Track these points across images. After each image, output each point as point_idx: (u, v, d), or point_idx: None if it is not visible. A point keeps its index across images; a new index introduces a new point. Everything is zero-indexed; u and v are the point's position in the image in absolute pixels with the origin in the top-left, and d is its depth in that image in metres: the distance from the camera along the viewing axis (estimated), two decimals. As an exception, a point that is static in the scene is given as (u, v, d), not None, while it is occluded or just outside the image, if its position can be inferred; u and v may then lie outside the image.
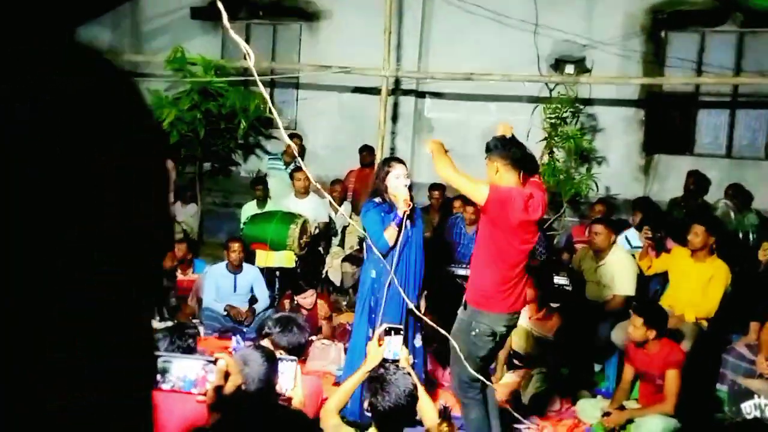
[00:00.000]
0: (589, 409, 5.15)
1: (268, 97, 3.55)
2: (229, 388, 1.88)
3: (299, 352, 3.63)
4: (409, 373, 3.05)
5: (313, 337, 6.13)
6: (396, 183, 4.70)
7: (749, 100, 8.78)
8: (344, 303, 7.26)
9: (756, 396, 1.74)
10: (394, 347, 3.22)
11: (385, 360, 3.21)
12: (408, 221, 4.70)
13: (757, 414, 1.72)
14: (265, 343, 3.57)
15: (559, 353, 5.65)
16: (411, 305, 4.56)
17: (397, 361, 3.21)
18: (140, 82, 9.81)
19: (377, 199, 4.82)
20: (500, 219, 3.91)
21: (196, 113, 8.31)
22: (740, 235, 6.93)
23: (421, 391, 3.08)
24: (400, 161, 4.88)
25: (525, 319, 5.64)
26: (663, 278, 6.06)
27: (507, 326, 4.13)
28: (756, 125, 8.70)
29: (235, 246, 6.67)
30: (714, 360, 5.21)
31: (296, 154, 6.15)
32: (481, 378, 4.11)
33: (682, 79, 8.64)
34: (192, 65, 8.47)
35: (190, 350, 3.60)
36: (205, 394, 1.98)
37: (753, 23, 8.47)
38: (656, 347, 4.92)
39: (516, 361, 5.69)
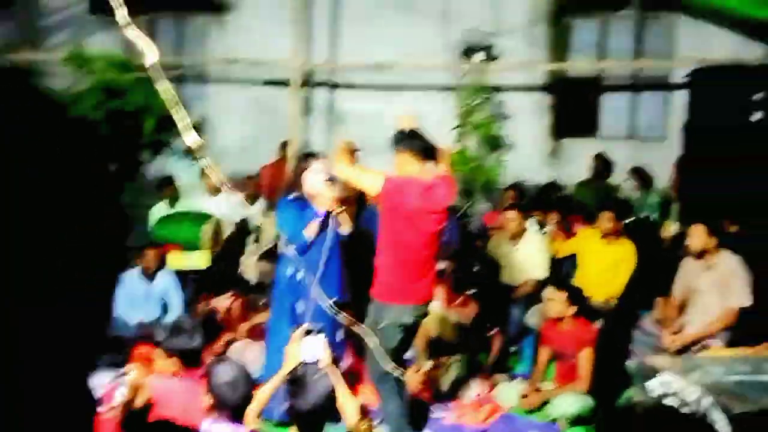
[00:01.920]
0: (508, 392, 5.24)
1: (170, 91, 3.35)
2: (139, 403, 1.81)
3: (193, 358, 3.52)
4: (328, 374, 3.04)
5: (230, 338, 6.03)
6: (313, 180, 4.65)
7: (650, 83, 9.09)
8: (261, 302, 7.15)
9: (661, 372, 1.79)
10: (314, 349, 3.19)
11: (304, 362, 3.18)
12: (331, 218, 4.66)
13: (664, 390, 1.77)
14: (158, 353, 3.47)
15: (477, 339, 5.73)
16: (325, 304, 4.51)
17: (318, 363, 3.18)
18: (39, 81, 9.42)
19: (293, 195, 4.77)
20: (396, 208, 3.99)
21: (99, 113, 8.00)
22: (643, 215, 7.19)
23: (342, 390, 3.06)
24: (318, 157, 4.83)
25: (442, 307, 5.70)
26: (574, 260, 6.21)
27: (413, 317, 4.16)
28: (656, 107, 9.01)
29: (151, 253, 6.47)
30: (624, 337, 5.37)
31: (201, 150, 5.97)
32: (394, 369, 4.11)
33: (586, 64, 8.88)
34: (92, 62, 8.15)
35: (123, 364, 3.51)
36: (112, 410, 1.90)
37: (652, 7, 8.76)
38: (570, 326, 5.06)
39: (435, 349, 5.74)
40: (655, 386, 1.91)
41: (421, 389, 5.34)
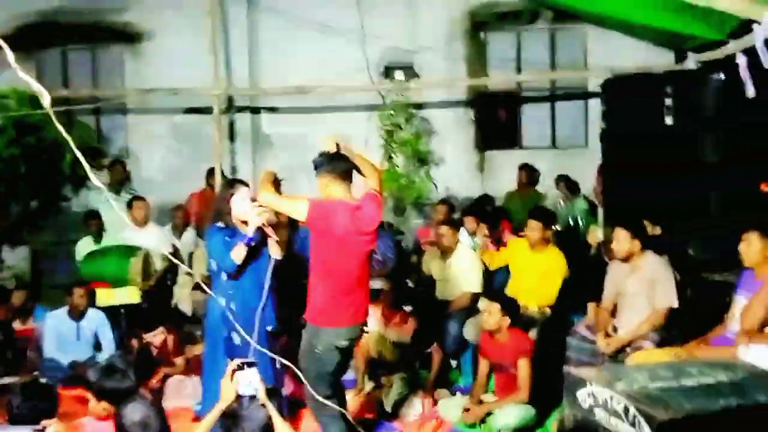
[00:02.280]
0: (451, 407, 5.27)
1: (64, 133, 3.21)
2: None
3: (123, 398, 3.44)
4: (263, 405, 3.00)
5: (167, 372, 5.89)
6: (240, 206, 4.59)
7: (567, 93, 9.36)
8: (198, 333, 7.01)
9: (588, 383, 1.81)
10: (249, 382, 3.14)
11: (240, 396, 3.13)
12: (264, 244, 4.60)
13: (592, 402, 1.79)
14: (91, 396, 3.40)
15: (418, 356, 5.76)
16: (244, 337, 4.43)
17: (254, 396, 3.14)
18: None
19: (220, 224, 4.71)
20: (324, 233, 3.98)
21: (14, 150, 7.75)
22: (571, 222, 7.37)
23: (279, 422, 3.02)
24: (244, 183, 4.78)
25: (381, 326, 5.70)
26: (506, 271, 6.30)
27: (349, 339, 4.15)
28: (575, 116, 9.28)
29: (80, 291, 6.31)
30: (560, 344, 5.46)
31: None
32: (329, 402, 4.06)
33: (503, 78, 9.08)
34: (4, 98, 7.89)
35: (49, 412, 3.36)
36: None
37: (561, 19, 9.04)
38: (507, 337, 5.13)
39: (375, 369, 5.73)
40: (584, 397, 1.95)
41: (365, 410, 5.33)
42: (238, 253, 4.52)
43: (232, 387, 3.13)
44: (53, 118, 2.15)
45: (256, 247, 4.61)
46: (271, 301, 4.74)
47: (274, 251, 4.57)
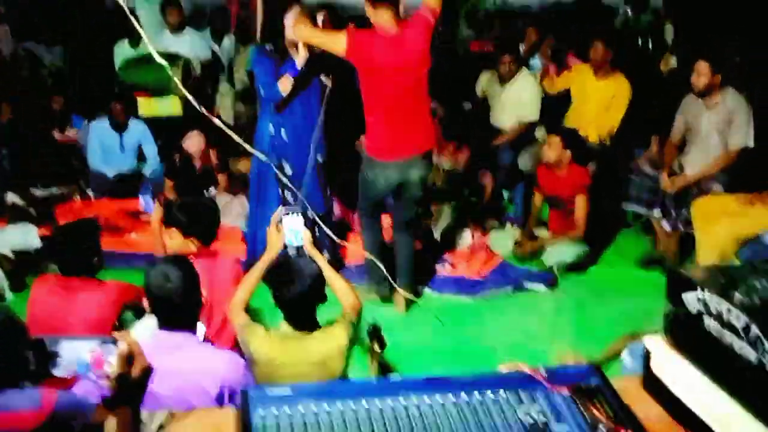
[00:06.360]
0: (501, 239, 5.18)
1: None
2: (135, 373, 1.59)
3: (212, 235, 3.37)
4: (313, 257, 2.90)
5: (213, 190, 5.80)
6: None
7: None
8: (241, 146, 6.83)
9: (699, 288, 1.59)
10: (294, 230, 3.00)
11: (286, 246, 3.01)
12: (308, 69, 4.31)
13: (701, 309, 1.59)
14: (174, 234, 3.27)
15: (469, 184, 5.59)
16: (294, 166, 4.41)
17: (300, 246, 3.02)
18: None
19: (268, 46, 4.38)
20: (364, 64, 3.88)
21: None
22: (639, 42, 6.77)
23: (330, 272, 2.91)
24: (301, 2, 4.37)
25: (433, 154, 5.48)
26: (564, 99, 5.89)
27: (400, 172, 4.11)
28: None
29: (118, 107, 6.14)
30: (620, 178, 5.23)
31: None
32: None
33: None
34: None
35: (92, 251, 3.28)
36: (108, 378, 1.61)
37: None
38: (565, 171, 4.92)
39: (426, 197, 5.59)
40: (691, 302, 1.70)
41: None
42: (285, 85, 4.26)
43: (278, 237, 3.00)
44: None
45: (307, 73, 4.33)
46: (321, 130, 4.52)
47: (328, 79, 4.29)
